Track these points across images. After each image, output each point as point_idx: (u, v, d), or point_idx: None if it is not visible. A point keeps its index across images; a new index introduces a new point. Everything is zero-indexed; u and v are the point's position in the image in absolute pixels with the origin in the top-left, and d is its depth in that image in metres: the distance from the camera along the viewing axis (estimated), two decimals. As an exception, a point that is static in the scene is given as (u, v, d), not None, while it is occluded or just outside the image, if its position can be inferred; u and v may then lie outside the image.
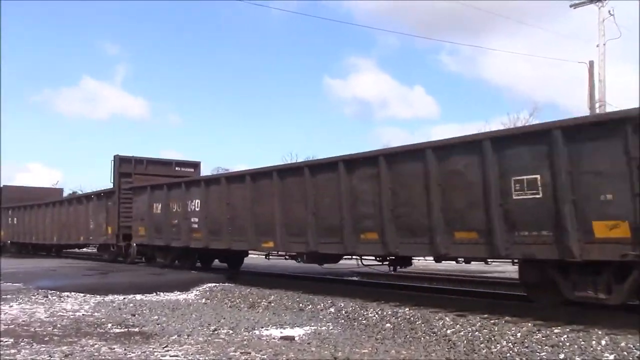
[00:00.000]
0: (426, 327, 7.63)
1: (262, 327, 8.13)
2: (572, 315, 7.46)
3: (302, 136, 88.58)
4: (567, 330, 6.78)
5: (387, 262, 10.46)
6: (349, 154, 10.15)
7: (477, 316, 7.79)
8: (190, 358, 6.11)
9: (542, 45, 64.17)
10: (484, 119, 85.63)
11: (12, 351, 6.39)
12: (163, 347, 6.63)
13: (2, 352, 6.30)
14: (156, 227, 15.83)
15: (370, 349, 6.71)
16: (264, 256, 13.73)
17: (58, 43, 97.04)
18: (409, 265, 11.06)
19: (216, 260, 16.75)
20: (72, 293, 11.68)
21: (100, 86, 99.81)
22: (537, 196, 7.27)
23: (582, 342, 6.23)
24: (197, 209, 14.08)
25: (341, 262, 12.20)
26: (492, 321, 7.46)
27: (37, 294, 11.45)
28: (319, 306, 9.61)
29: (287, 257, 12.47)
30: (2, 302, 10.19)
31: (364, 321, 8.45)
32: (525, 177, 7.42)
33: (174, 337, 7.29)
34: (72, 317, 9.06)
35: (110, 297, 11.33)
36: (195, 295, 12.05)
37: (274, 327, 8.19)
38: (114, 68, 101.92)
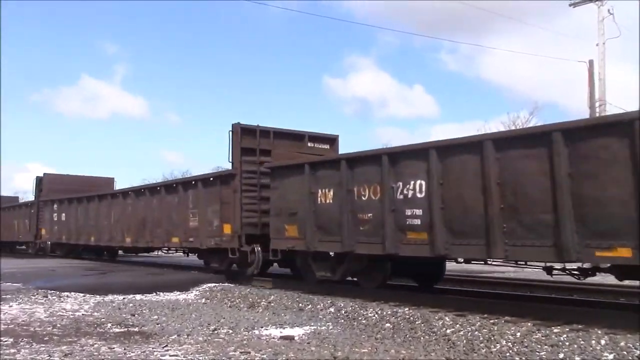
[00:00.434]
0: (426, 327, 7.63)
1: (262, 327, 8.13)
2: (571, 315, 7.47)
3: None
4: (567, 329, 6.79)
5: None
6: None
7: (477, 316, 7.80)
8: (190, 357, 6.11)
9: (541, 44, 64.26)
10: (484, 119, 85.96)
11: (12, 351, 6.39)
12: (163, 347, 6.63)
13: (2, 352, 6.30)
14: (322, 225, 10.67)
15: (369, 348, 6.71)
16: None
17: (57, 42, 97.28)
18: None
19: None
20: (72, 293, 11.68)
21: (100, 85, 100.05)
22: None
23: (582, 342, 6.23)
24: (419, 195, 9.05)
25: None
26: (491, 321, 7.47)
27: (37, 294, 11.46)
28: (318, 306, 9.61)
29: None
30: (2, 302, 10.19)
31: (364, 321, 8.45)
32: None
33: (173, 337, 7.30)
34: (71, 316, 9.06)
35: (109, 297, 11.33)
36: (195, 295, 12.05)
37: (274, 326, 8.19)
38: (113, 67, 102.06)
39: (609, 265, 7.29)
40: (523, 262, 8.31)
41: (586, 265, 7.82)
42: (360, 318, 8.61)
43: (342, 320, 8.68)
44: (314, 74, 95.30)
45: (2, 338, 7.07)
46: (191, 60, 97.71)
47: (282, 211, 11.56)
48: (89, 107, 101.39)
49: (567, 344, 6.27)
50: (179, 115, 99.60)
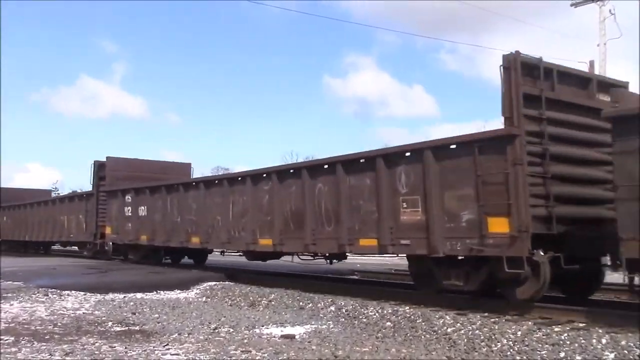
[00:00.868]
0: (426, 326, 7.63)
1: (263, 326, 8.13)
2: (572, 314, 7.47)
3: (301, 135, 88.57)
4: (568, 328, 6.79)
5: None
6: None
7: (478, 315, 7.80)
8: (190, 356, 6.12)
9: (542, 44, 64.23)
10: (484, 118, 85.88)
11: (13, 349, 6.40)
12: (164, 346, 6.64)
13: (3, 351, 6.30)
14: None
15: (370, 347, 6.71)
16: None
17: (56, 41, 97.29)
18: None
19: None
20: (73, 291, 11.69)
21: (99, 85, 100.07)
22: None
23: (583, 341, 6.23)
24: None
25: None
26: (492, 320, 7.47)
27: (38, 293, 11.46)
28: (319, 305, 9.61)
29: None
30: (2, 301, 10.20)
31: (365, 320, 8.45)
32: None
33: (174, 336, 7.30)
34: (72, 315, 9.07)
35: (110, 296, 11.33)
36: (195, 293, 12.05)
37: (275, 325, 8.19)
38: (112, 67, 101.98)
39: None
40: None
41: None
42: (361, 317, 8.61)
43: (343, 319, 8.68)
44: (314, 74, 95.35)
45: (3, 337, 7.08)
46: (191, 60, 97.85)
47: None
48: (88, 107, 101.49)
49: (568, 342, 6.27)
50: (179, 115, 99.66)
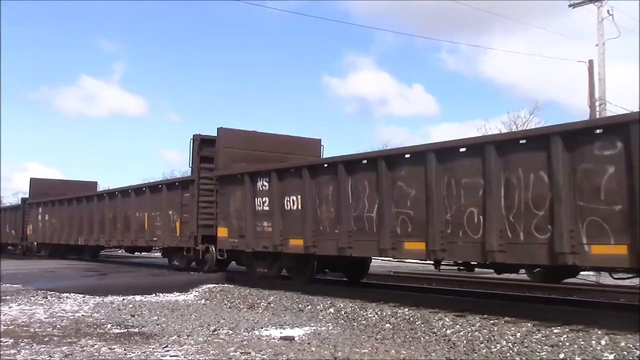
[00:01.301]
0: (426, 327, 7.63)
1: (262, 328, 8.13)
2: (571, 315, 7.47)
3: (301, 135, 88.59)
4: (567, 330, 6.79)
5: None
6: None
7: (477, 316, 7.80)
8: (190, 358, 6.11)
9: (541, 44, 64.34)
10: (484, 118, 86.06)
11: (12, 351, 6.38)
12: (163, 348, 6.63)
13: (2, 353, 6.29)
14: None
15: (370, 349, 6.71)
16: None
17: (55, 41, 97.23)
18: None
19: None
20: (72, 294, 11.66)
21: (98, 84, 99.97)
22: None
23: (582, 342, 6.24)
24: None
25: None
26: (491, 321, 7.47)
27: (37, 295, 11.44)
28: (318, 306, 9.61)
29: None
30: (1, 303, 10.18)
31: (364, 321, 8.45)
32: None
33: (173, 338, 7.29)
34: (71, 317, 9.05)
35: (109, 298, 11.32)
36: (194, 296, 12.05)
37: (274, 327, 8.19)
38: (111, 66, 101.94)
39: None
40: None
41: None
42: (360, 318, 8.61)
43: (342, 321, 8.68)
44: (314, 73, 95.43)
45: (2, 339, 7.06)
46: (190, 59, 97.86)
47: None
48: (88, 106, 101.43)
49: (567, 344, 6.28)
50: (178, 114, 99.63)
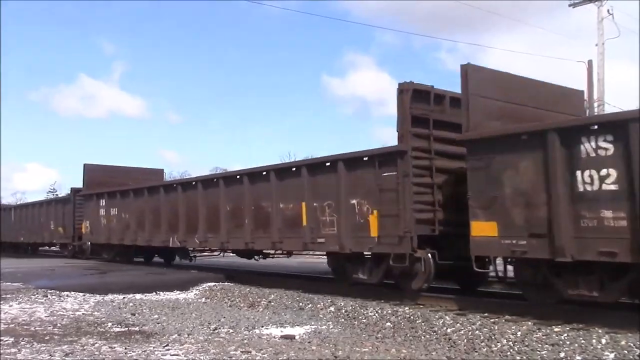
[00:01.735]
0: (426, 326, 7.64)
1: (262, 326, 8.13)
2: (571, 314, 7.47)
3: (300, 135, 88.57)
4: (567, 328, 6.80)
5: None
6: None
7: (477, 315, 7.81)
8: (190, 357, 6.11)
9: (541, 44, 64.37)
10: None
11: (13, 350, 6.39)
12: (163, 346, 6.63)
13: (2, 352, 6.30)
14: None
15: (370, 347, 6.72)
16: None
17: (55, 41, 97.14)
18: None
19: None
20: (72, 292, 11.67)
21: (98, 85, 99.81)
22: None
23: (582, 341, 6.24)
24: None
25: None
26: (492, 320, 7.48)
27: (37, 294, 11.44)
28: (319, 305, 9.62)
29: None
30: (2, 302, 10.18)
31: (364, 320, 8.46)
32: None
33: (174, 336, 7.29)
34: (72, 316, 9.06)
35: (110, 297, 11.32)
36: (195, 294, 12.05)
37: (274, 326, 8.19)
38: (111, 66, 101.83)
39: None
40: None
41: None
42: (360, 317, 8.62)
43: (343, 320, 8.69)
44: (313, 73, 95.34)
45: (2, 338, 7.06)
46: (190, 59, 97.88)
47: None
48: (87, 106, 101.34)
49: (567, 343, 6.28)
50: (178, 114, 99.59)
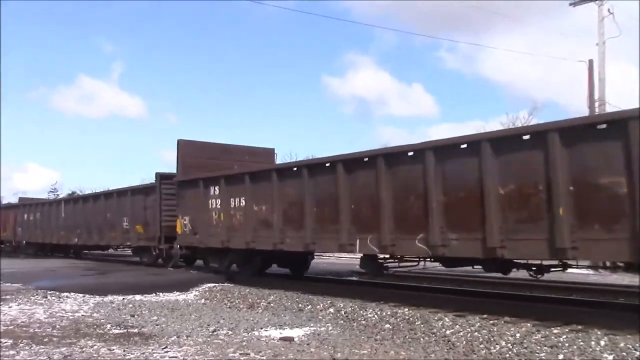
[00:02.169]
0: (425, 328, 7.63)
1: (262, 328, 8.13)
2: (571, 315, 7.47)
3: (300, 135, 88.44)
4: (566, 330, 6.79)
5: None
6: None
7: (477, 316, 7.80)
8: (189, 359, 6.11)
9: (541, 44, 64.27)
10: (484, 118, 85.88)
11: (12, 352, 6.39)
12: (162, 348, 6.63)
13: (1, 353, 6.29)
14: None
15: (369, 349, 6.71)
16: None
17: (54, 41, 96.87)
18: None
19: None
20: (71, 293, 11.68)
21: (97, 84, 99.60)
22: None
23: (581, 343, 6.24)
24: None
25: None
26: (491, 322, 7.47)
27: (37, 295, 11.45)
28: (318, 306, 9.61)
29: None
30: (1, 303, 10.18)
31: (363, 322, 8.46)
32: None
33: (173, 338, 7.29)
34: (71, 317, 9.06)
35: (109, 298, 11.32)
36: (194, 295, 12.05)
37: (274, 327, 8.19)
38: (110, 66, 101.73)
39: None
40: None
41: None
42: (359, 319, 8.61)
43: (342, 321, 8.68)
44: (313, 73, 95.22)
45: (1, 339, 7.06)
46: (189, 59, 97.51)
47: None
48: (86, 106, 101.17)
49: (566, 344, 6.28)
50: (177, 114, 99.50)
